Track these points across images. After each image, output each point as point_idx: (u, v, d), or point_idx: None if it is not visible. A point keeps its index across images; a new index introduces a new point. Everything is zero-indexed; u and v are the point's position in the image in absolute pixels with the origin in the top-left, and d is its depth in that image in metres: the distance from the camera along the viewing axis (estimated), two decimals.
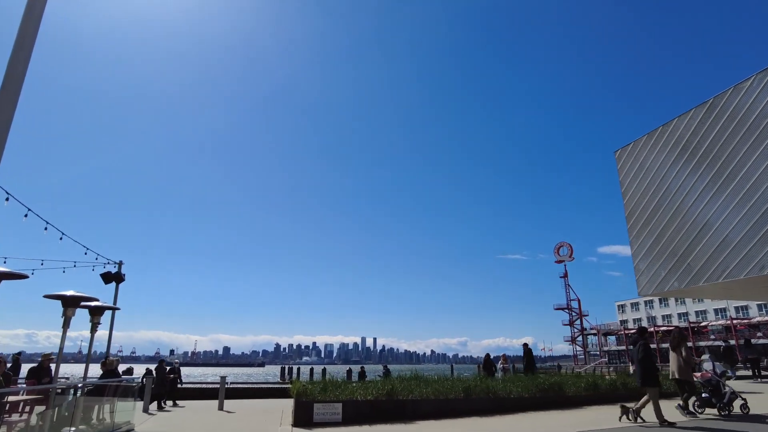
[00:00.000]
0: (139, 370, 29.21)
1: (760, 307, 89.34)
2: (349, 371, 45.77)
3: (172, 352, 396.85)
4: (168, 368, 20.50)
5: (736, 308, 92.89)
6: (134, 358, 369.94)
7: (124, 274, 14.88)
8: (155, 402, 18.21)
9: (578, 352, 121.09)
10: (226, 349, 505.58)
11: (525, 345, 21.62)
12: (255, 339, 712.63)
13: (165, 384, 19.28)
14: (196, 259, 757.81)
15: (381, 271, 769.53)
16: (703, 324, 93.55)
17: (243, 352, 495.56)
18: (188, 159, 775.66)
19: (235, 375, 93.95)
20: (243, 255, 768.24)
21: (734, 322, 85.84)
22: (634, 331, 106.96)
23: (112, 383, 11.37)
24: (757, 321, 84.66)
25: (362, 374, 28.57)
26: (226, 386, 24.90)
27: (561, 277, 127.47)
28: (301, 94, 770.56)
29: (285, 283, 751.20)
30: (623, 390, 14.84)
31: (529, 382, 14.71)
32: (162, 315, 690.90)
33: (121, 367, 24.71)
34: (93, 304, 10.41)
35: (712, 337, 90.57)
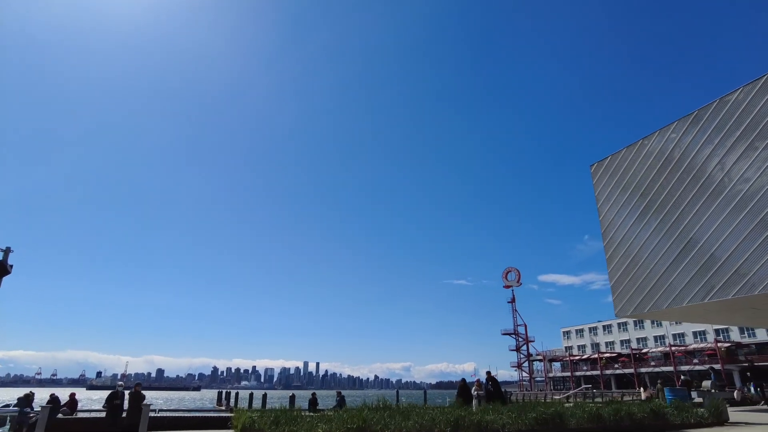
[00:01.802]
0: (45, 396, 24.53)
1: (695, 334, 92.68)
2: (293, 397, 42.03)
3: (99, 374, 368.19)
4: (113, 392, 17.01)
5: (674, 335, 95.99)
6: (55, 381, 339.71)
7: (11, 265, 11.36)
8: None
9: (524, 378, 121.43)
10: (160, 371, 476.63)
11: (488, 373, 19.67)
12: (191, 361, 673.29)
13: (139, 413, 15.82)
14: (128, 272, 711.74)
15: (324, 293, 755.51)
16: (644, 351, 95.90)
17: (178, 375, 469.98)
18: (117, 163, 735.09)
19: (168, 400, 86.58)
20: (180, 270, 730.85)
21: (672, 348, 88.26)
22: (584, 357, 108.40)
23: None
24: (693, 348, 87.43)
25: (314, 402, 25.23)
26: (153, 415, 21.04)
27: (509, 302, 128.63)
28: (262, 99, 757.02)
29: (226, 303, 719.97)
30: (629, 421, 12.89)
31: (525, 412, 12.42)
32: (91, 333, 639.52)
33: (18, 392, 20.44)
34: None
35: (653, 363, 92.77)
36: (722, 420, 14.45)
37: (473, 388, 18.52)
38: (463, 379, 19.01)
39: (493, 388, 17.97)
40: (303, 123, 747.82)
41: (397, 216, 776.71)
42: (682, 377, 31.21)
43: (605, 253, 24.44)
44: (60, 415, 19.36)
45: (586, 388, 70.44)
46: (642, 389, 25.55)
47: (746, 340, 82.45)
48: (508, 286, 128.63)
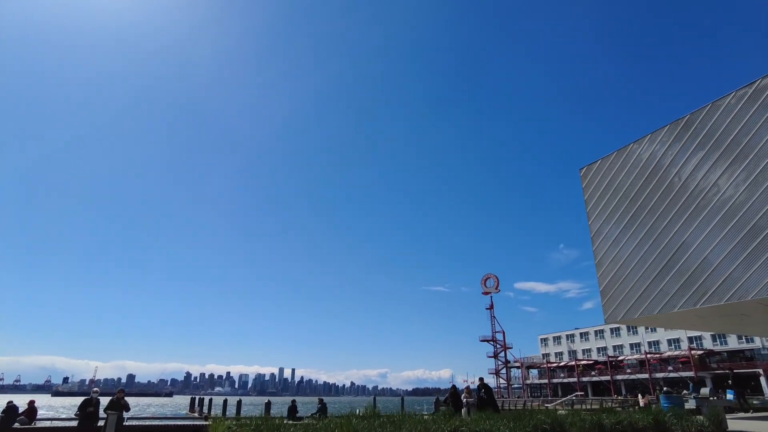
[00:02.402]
0: (4, 404, 22.76)
1: (670, 342, 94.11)
2: (268, 404, 40.62)
3: (65, 380, 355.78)
4: (86, 399, 15.80)
5: (649, 343, 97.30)
6: (18, 387, 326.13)
7: None
8: None
9: (501, 385, 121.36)
10: (131, 376, 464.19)
11: (481, 380, 18.98)
12: (164, 366, 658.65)
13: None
14: (98, 273, 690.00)
15: (300, 299, 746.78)
16: (620, 358, 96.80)
17: (150, 381, 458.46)
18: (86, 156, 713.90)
19: (138, 406, 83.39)
20: (153, 273, 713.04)
21: (648, 356, 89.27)
22: (561, 364, 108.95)
23: None
24: (668, 355, 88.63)
25: (293, 410, 24.04)
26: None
27: (487, 308, 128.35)
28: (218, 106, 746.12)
29: (200, 307, 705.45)
30: (630, 430, 12.31)
31: (523, 421, 11.71)
32: (58, 337, 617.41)
33: None
34: None
35: (629, 371, 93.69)
36: (722, 429, 14.06)
37: (462, 395, 17.77)
38: (454, 386, 18.21)
39: (486, 396, 17.20)
40: (279, 124, 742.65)
41: (375, 220, 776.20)
42: (665, 388, 31.12)
43: (594, 258, 24.08)
44: (17, 425, 17.83)
45: (578, 396, 70.24)
46: (640, 396, 25.21)
47: (718, 347, 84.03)
48: (486, 293, 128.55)
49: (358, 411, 13.83)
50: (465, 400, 17.39)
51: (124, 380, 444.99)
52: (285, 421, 13.71)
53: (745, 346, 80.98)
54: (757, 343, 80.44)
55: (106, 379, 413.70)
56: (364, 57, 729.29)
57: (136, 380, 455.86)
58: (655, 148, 22.14)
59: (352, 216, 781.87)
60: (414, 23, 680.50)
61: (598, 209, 24.39)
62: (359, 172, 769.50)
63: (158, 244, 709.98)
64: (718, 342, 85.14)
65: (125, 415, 16.59)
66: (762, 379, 72.66)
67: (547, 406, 24.30)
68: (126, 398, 16.57)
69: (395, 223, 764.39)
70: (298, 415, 23.43)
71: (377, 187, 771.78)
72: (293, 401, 25.59)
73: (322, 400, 24.85)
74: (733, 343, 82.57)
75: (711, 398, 18.41)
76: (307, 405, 46.08)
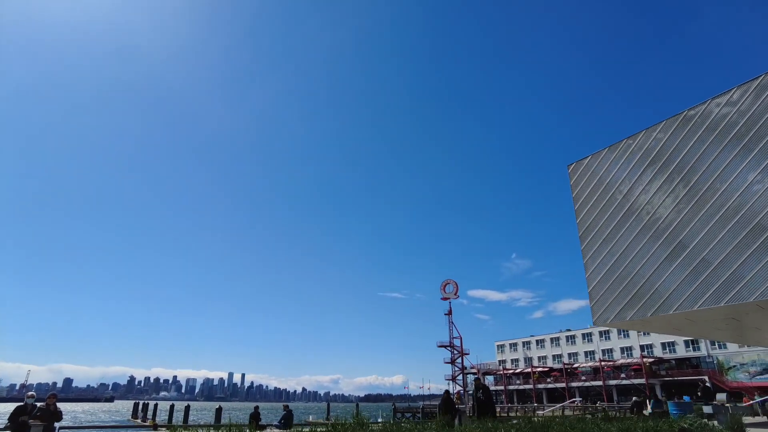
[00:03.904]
0: None
1: (623, 350, 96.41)
2: (219, 410, 37.91)
3: None
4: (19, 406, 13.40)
5: (603, 351, 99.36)
6: None
7: None
8: None
9: (459, 391, 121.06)
10: (68, 380, 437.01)
11: (477, 380, 17.25)
12: (105, 370, 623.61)
13: None
14: (31, 269, 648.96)
15: (252, 302, 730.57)
16: (575, 365, 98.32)
17: (89, 385, 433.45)
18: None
19: (72, 412, 76.97)
20: (93, 270, 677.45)
21: (602, 363, 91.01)
22: (517, 371, 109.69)
23: None
24: (621, 363, 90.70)
25: (256, 417, 21.57)
26: None
27: (446, 314, 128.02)
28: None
29: (145, 310, 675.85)
30: None
31: (539, 429, 10.12)
32: None
33: None
34: None
35: (583, 378, 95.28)
36: None
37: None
38: (447, 391, 16.40)
39: (484, 398, 15.39)
40: (247, 121, 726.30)
41: (332, 224, 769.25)
42: (634, 398, 30.52)
43: (583, 258, 23.07)
44: None
45: (579, 401, 69.66)
46: (647, 402, 24.29)
47: (667, 355, 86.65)
48: (445, 298, 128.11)
49: (343, 418, 11.83)
50: (457, 406, 15.68)
51: (60, 385, 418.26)
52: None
53: (692, 354, 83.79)
54: (703, 351, 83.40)
55: (39, 384, 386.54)
56: (340, 57, 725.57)
57: (74, 385, 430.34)
58: (651, 142, 21.41)
59: (306, 218, 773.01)
60: (393, 21, 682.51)
61: (588, 207, 23.44)
62: (325, 174, 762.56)
63: (103, 242, 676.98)
64: (668, 350, 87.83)
65: (57, 424, 13.95)
66: (708, 386, 75.20)
67: (540, 413, 22.89)
68: (60, 404, 14.01)
69: (353, 226, 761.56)
70: (261, 422, 21.07)
71: (338, 189, 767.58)
72: (256, 407, 22.98)
73: (287, 406, 22.48)
74: (681, 351, 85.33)
75: (727, 405, 17.58)
76: (266, 411, 43.20)
